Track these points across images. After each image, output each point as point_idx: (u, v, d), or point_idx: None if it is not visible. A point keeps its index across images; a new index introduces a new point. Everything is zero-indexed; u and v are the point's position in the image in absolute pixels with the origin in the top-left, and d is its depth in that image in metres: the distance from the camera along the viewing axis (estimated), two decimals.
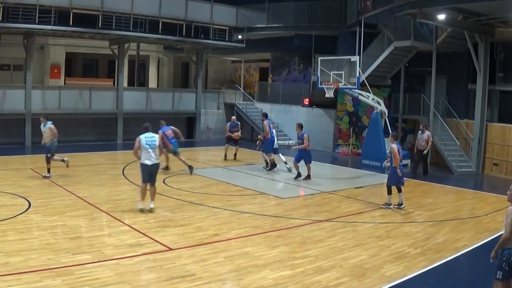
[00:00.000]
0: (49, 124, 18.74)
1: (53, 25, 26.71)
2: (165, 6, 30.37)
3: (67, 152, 22.72)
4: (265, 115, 23.24)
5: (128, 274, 9.50)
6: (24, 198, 15.21)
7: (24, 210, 13.96)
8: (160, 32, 30.61)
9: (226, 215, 14.42)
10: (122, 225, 12.92)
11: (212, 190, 17.82)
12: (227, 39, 33.84)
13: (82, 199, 15.45)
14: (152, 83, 41.66)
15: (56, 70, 34.30)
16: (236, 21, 34.05)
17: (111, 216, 13.73)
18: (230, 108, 36.18)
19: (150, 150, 14.26)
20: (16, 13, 25.91)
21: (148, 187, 14.51)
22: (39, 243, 11.03)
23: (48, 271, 9.38)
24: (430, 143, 23.00)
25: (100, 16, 28.03)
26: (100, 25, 28.13)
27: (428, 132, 23.20)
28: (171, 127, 21.02)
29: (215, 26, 32.94)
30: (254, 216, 14.50)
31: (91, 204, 14.88)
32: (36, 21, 26.19)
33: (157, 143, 14.47)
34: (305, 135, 20.10)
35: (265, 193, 17.69)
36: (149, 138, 14.39)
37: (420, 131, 23.38)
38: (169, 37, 31.40)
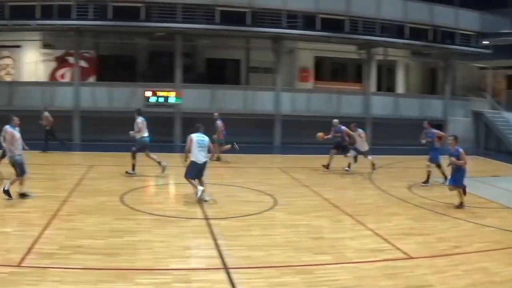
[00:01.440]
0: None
1: (300, 29, 27.59)
2: (410, 10, 30.19)
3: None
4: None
5: (366, 278, 9.54)
6: (271, 195, 15.89)
7: (269, 207, 14.67)
8: (406, 37, 30.37)
9: (468, 227, 13.86)
10: (365, 229, 12.98)
11: (457, 200, 17.29)
12: (472, 44, 32.68)
13: (328, 201, 15.80)
14: (400, 88, 41.34)
15: (305, 74, 35.24)
16: (480, 26, 32.76)
17: (355, 219, 13.86)
18: (478, 117, 34.72)
19: (201, 149, 15.26)
20: (264, 17, 27.19)
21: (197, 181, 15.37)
22: (282, 240, 11.52)
23: (288, 268, 9.73)
24: None
25: (347, 21, 28.45)
26: (347, 30, 28.55)
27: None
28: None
29: (459, 31, 32.00)
30: (496, 230, 13.78)
31: (336, 206, 15.16)
32: (284, 26, 27.23)
33: (207, 143, 15.42)
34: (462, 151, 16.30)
35: (510, 207, 16.63)
36: (200, 138, 15.37)
37: None
38: (415, 42, 31.07)
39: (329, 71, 39.98)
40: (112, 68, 32.93)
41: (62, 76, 33.28)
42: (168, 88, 29.82)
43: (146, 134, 19.42)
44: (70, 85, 30.64)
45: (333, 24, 28.58)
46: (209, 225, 12.82)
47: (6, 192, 14.92)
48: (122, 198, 15.69)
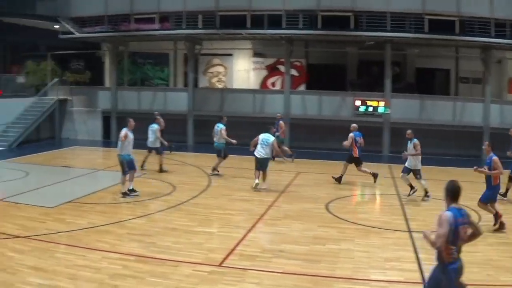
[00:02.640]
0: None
1: (509, 38, 26.58)
2: None
3: None
4: None
5: None
6: (475, 211, 15.36)
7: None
8: None
9: None
10: None
11: None
12: None
13: None
14: None
15: None
16: None
17: None
18: None
19: (263, 147, 18.43)
20: (473, 26, 26.48)
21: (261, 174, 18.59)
22: (482, 258, 11.26)
23: (484, 287, 9.62)
24: None
25: None
26: None
27: None
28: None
29: None
30: None
31: None
32: (493, 35, 26.35)
33: (270, 142, 18.44)
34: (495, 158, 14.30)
35: None
36: (266, 137, 18.59)
37: None
38: None
39: None
40: (321, 76, 33.63)
41: (273, 84, 34.53)
42: (377, 98, 29.93)
43: (216, 140, 21.44)
44: (280, 93, 31.77)
45: None
46: (411, 238, 12.88)
47: (129, 192, 16.79)
48: (327, 206, 16.21)
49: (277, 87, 34.17)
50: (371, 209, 17.15)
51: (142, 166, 21.91)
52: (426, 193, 17.29)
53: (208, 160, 22.37)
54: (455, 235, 7.11)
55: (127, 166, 16.79)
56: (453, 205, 7.25)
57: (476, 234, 7.51)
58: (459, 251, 7.32)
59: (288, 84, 31.35)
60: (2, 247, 11.40)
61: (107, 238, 12.37)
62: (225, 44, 33.71)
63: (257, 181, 18.52)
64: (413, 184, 17.48)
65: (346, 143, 19.73)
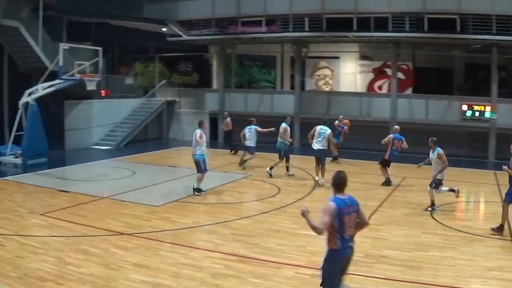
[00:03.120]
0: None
1: None
2: None
3: None
4: None
5: None
6: None
7: None
8: None
9: None
10: None
11: None
12: None
13: None
14: None
15: None
16: None
17: None
18: None
19: (319, 139, 19.27)
20: None
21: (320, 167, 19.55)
22: None
23: None
24: None
25: None
26: None
27: None
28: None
29: None
30: None
31: None
32: None
33: (326, 135, 19.21)
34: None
35: None
36: (322, 130, 19.31)
37: None
38: None
39: None
40: (427, 80, 32.99)
41: (380, 87, 34.11)
42: (483, 102, 28.91)
43: (280, 139, 21.47)
44: (387, 97, 31.37)
45: None
46: None
47: (196, 190, 17.29)
48: (432, 212, 15.80)
49: (384, 90, 33.80)
50: (476, 216, 16.63)
51: (240, 164, 23.43)
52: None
53: (313, 163, 22.27)
54: (341, 224, 7.54)
55: (198, 165, 17.44)
56: (338, 195, 7.70)
57: (362, 223, 8.00)
58: (348, 239, 7.71)
59: (395, 87, 30.86)
60: (106, 243, 11.76)
61: (211, 237, 12.55)
62: (332, 46, 33.63)
63: (317, 178, 19.66)
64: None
65: (386, 140, 20.18)
